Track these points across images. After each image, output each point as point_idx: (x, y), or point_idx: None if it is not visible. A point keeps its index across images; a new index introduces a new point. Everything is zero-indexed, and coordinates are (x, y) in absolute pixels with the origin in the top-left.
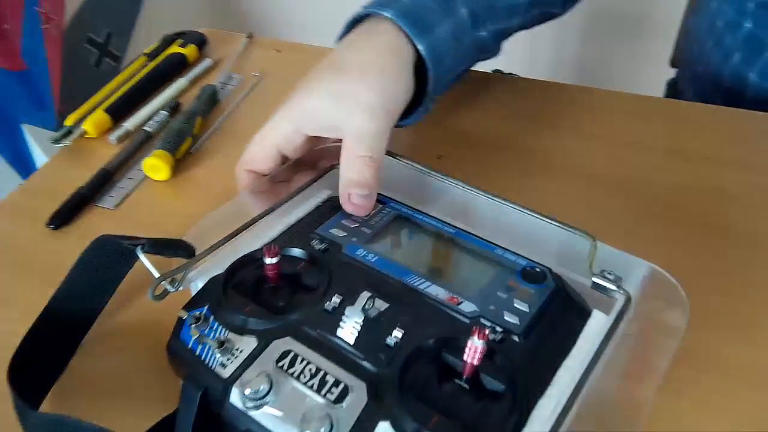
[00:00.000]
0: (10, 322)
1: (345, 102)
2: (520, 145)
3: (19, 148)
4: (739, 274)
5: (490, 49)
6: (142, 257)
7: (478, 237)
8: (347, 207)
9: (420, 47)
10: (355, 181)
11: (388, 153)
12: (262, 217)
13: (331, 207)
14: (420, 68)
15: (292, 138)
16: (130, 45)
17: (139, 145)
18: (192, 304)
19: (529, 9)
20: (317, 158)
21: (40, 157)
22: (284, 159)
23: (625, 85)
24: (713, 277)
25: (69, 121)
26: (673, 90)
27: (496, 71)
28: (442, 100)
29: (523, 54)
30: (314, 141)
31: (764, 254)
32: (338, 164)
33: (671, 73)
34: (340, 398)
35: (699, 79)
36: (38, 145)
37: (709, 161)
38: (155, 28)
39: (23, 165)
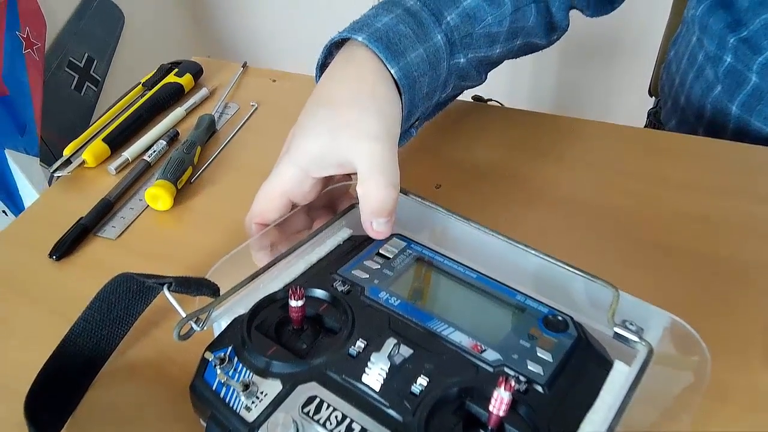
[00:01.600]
0: (15, 351)
1: (347, 135)
2: (512, 173)
3: (3, 174)
4: (728, 298)
5: (472, 77)
6: (169, 296)
7: (499, 282)
8: (370, 233)
9: (392, 71)
10: (377, 210)
11: (411, 194)
12: (285, 257)
13: (352, 246)
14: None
15: (301, 184)
16: (111, 69)
17: (139, 174)
18: (216, 345)
19: (510, 38)
20: (330, 201)
21: (22, 182)
22: (294, 206)
23: (604, 114)
24: (702, 303)
25: (68, 151)
26: (655, 120)
27: (476, 97)
28: (437, 131)
29: (503, 82)
30: (324, 182)
31: (749, 278)
32: (358, 202)
33: (650, 101)
34: None
35: (681, 110)
36: (21, 170)
37: (692, 190)
38: (136, 52)
39: (7, 191)
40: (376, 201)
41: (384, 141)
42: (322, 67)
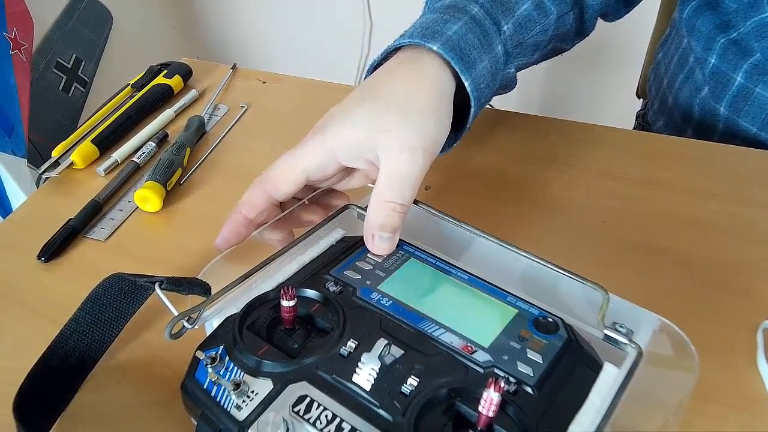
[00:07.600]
0: (2, 356)
1: (386, 140)
2: (501, 175)
3: None
4: (714, 299)
5: (512, 85)
6: (161, 295)
7: (491, 284)
8: (370, 246)
9: (466, 83)
10: (380, 224)
11: None
12: (277, 257)
13: (345, 247)
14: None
15: (325, 165)
16: (99, 70)
17: (128, 176)
18: (207, 344)
19: (547, 45)
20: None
21: (10, 183)
22: (306, 186)
23: (593, 115)
24: (689, 304)
25: (56, 152)
26: (643, 121)
27: None
28: None
29: None
30: (345, 172)
31: (734, 279)
32: (352, 204)
33: (638, 103)
34: None
35: (669, 111)
36: (8, 172)
37: (680, 192)
38: (125, 54)
39: None
40: (381, 215)
41: (419, 159)
42: (375, 68)
